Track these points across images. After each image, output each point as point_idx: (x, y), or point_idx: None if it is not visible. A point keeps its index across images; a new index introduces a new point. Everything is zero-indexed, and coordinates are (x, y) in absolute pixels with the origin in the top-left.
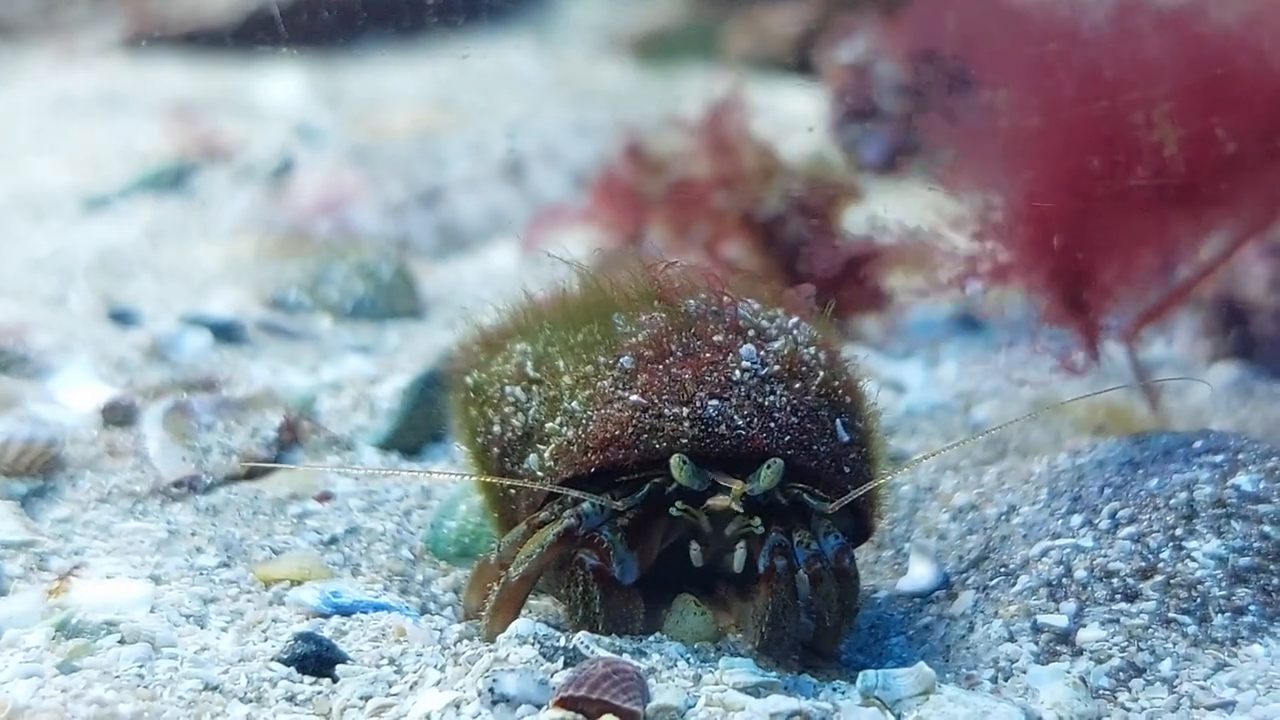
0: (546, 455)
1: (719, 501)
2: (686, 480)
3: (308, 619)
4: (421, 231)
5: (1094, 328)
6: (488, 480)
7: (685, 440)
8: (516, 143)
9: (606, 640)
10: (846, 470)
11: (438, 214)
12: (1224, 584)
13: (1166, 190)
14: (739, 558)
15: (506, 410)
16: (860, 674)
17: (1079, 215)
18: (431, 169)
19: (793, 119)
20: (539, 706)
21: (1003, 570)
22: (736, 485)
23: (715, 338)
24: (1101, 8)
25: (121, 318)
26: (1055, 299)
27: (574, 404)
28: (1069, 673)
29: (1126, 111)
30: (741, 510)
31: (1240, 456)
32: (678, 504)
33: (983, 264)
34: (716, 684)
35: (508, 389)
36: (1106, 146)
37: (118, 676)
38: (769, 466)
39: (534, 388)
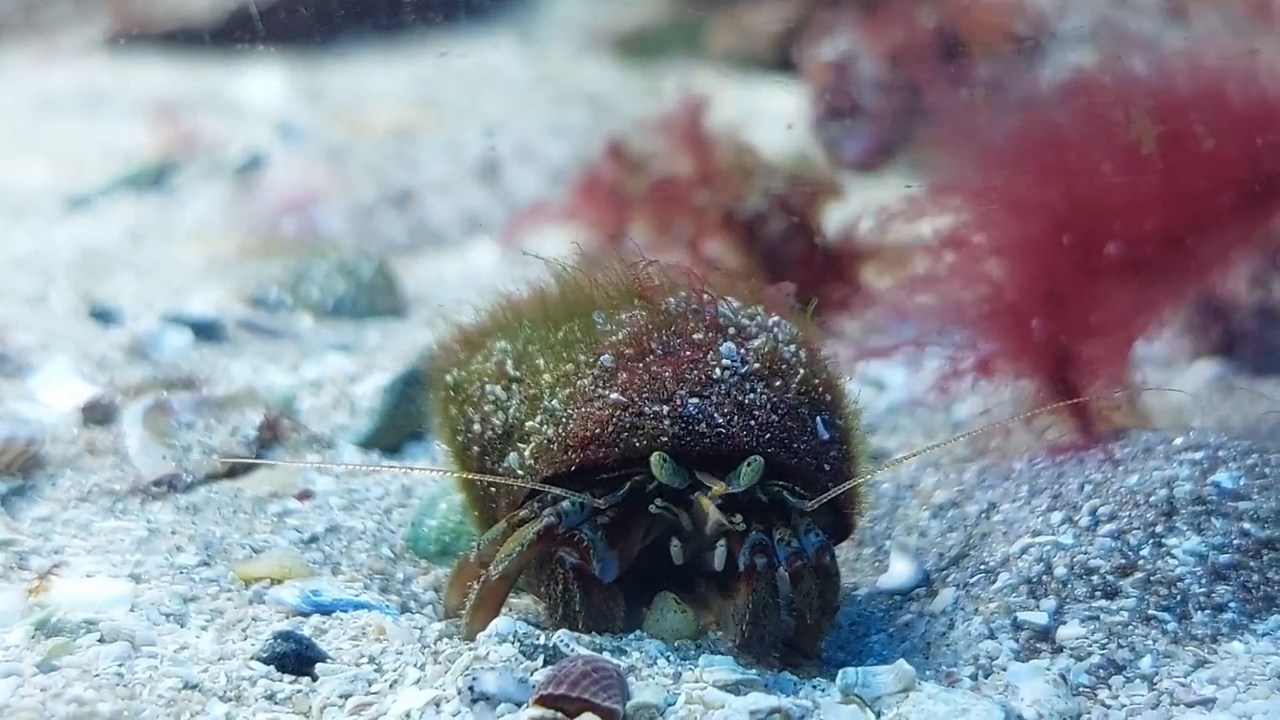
0: (527, 453)
1: (714, 514)
2: (667, 478)
3: (287, 617)
4: (391, 233)
5: (1086, 411)
6: (468, 477)
7: (665, 438)
8: (495, 142)
9: (586, 638)
10: (827, 468)
11: (409, 215)
12: (1204, 581)
13: (1145, 265)
14: (719, 556)
15: (487, 409)
16: (840, 671)
17: (1059, 299)
18: (406, 169)
19: (774, 117)
20: (519, 704)
21: (983, 567)
22: (716, 487)
23: (695, 336)
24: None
25: (102, 316)
26: (1044, 385)
27: (554, 402)
28: (1049, 670)
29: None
30: (722, 509)
31: (1220, 454)
32: (658, 501)
33: (967, 358)
34: (696, 681)
35: (488, 387)
36: (1082, 227)
37: (97, 675)
38: (749, 464)
39: (514, 386)
